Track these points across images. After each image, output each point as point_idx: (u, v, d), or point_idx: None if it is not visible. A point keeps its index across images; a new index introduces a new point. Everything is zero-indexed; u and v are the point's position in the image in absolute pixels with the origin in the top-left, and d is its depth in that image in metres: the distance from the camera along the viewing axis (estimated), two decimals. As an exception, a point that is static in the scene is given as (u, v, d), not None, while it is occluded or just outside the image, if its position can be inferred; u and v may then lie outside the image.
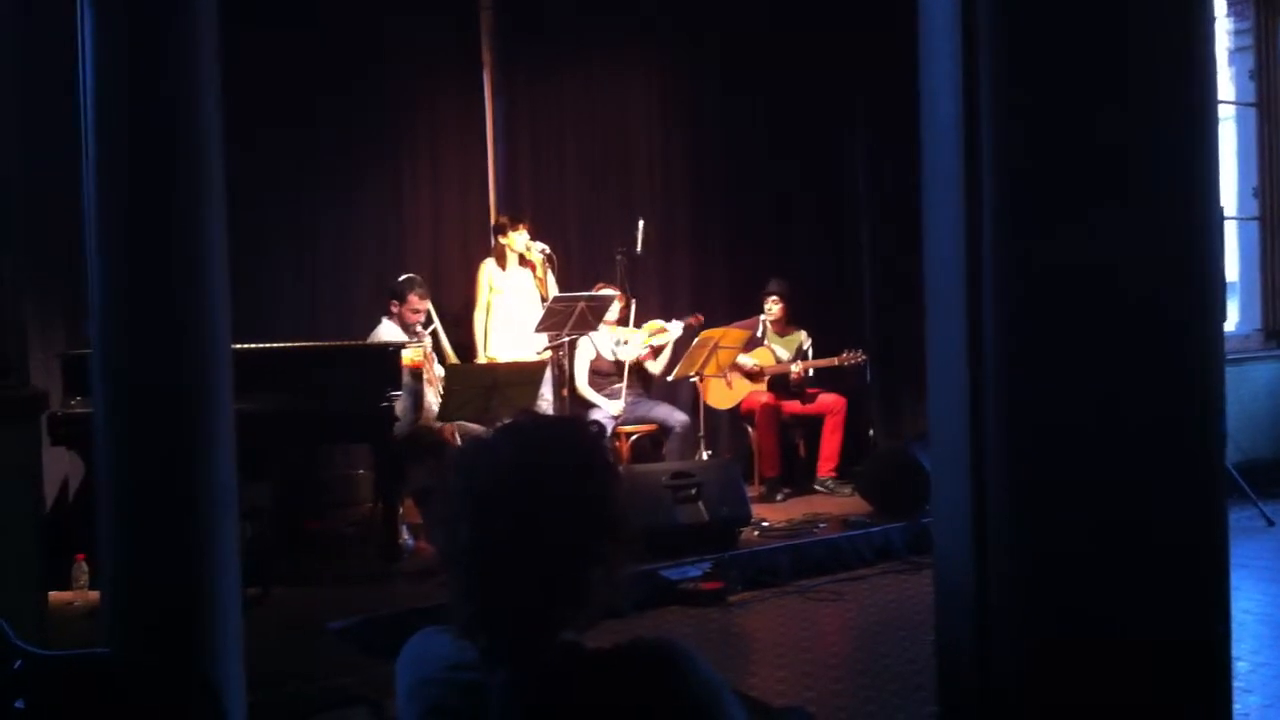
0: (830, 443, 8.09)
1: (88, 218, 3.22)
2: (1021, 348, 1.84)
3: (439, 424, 6.56)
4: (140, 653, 3.08)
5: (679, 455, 7.55)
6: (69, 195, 3.56)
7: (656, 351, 7.88)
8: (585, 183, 8.63)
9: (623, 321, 7.85)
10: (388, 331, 6.80)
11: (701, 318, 7.91)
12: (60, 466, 5.95)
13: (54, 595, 5.04)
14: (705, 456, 7.66)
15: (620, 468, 1.72)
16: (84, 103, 3.20)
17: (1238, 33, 9.68)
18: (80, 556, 5.42)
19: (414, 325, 6.91)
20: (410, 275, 7.07)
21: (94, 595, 5.08)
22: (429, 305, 6.99)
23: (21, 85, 4.79)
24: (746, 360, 8.08)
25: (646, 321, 7.93)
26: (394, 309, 6.88)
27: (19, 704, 2.32)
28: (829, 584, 6.40)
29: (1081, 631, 1.82)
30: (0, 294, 4.50)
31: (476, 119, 8.23)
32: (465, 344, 7.70)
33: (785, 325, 8.32)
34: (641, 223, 7.86)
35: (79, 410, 5.50)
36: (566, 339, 7.10)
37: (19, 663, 2.36)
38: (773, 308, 8.23)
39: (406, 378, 6.46)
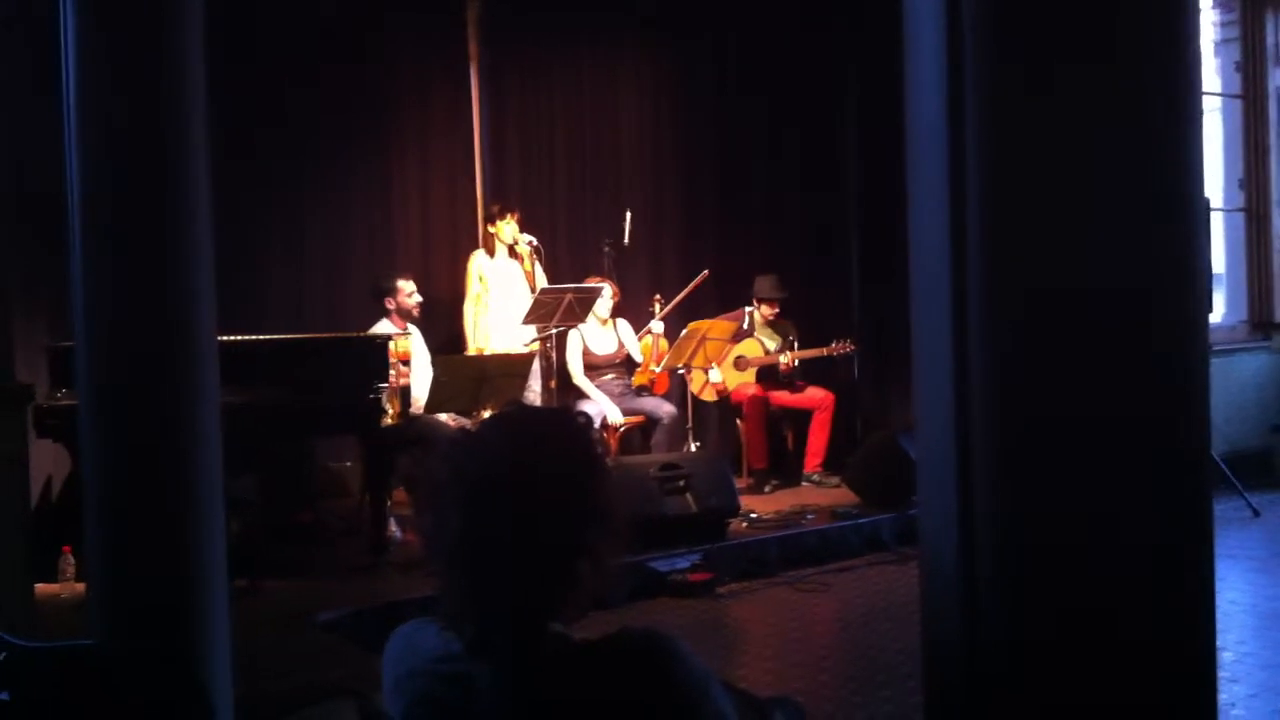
0: (817, 438, 8.11)
1: (72, 209, 3.21)
2: (1006, 339, 1.85)
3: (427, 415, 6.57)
4: (127, 645, 3.07)
5: (667, 447, 7.56)
6: (52, 186, 3.54)
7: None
8: (574, 175, 8.63)
9: (617, 314, 7.87)
10: (382, 330, 6.82)
11: (707, 273, 7.91)
12: (47, 459, 5.94)
13: (41, 587, 5.03)
14: (693, 448, 7.67)
15: (609, 459, 1.72)
16: (66, 95, 3.19)
17: (1224, 24, 9.71)
18: (67, 549, 5.42)
19: (414, 313, 6.94)
20: (389, 272, 7.10)
21: (81, 587, 5.08)
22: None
23: (3, 78, 4.77)
24: (715, 375, 8.08)
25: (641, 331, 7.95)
26: (389, 305, 6.91)
27: (4, 696, 2.32)
28: (817, 575, 6.41)
29: (1066, 621, 1.83)
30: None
31: (464, 112, 8.22)
32: (455, 335, 7.71)
33: (774, 317, 8.33)
34: (629, 215, 7.87)
35: (65, 402, 5.48)
36: (554, 330, 7.10)
37: (3, 655, 2.35)
38: (762, 308, 8.23)
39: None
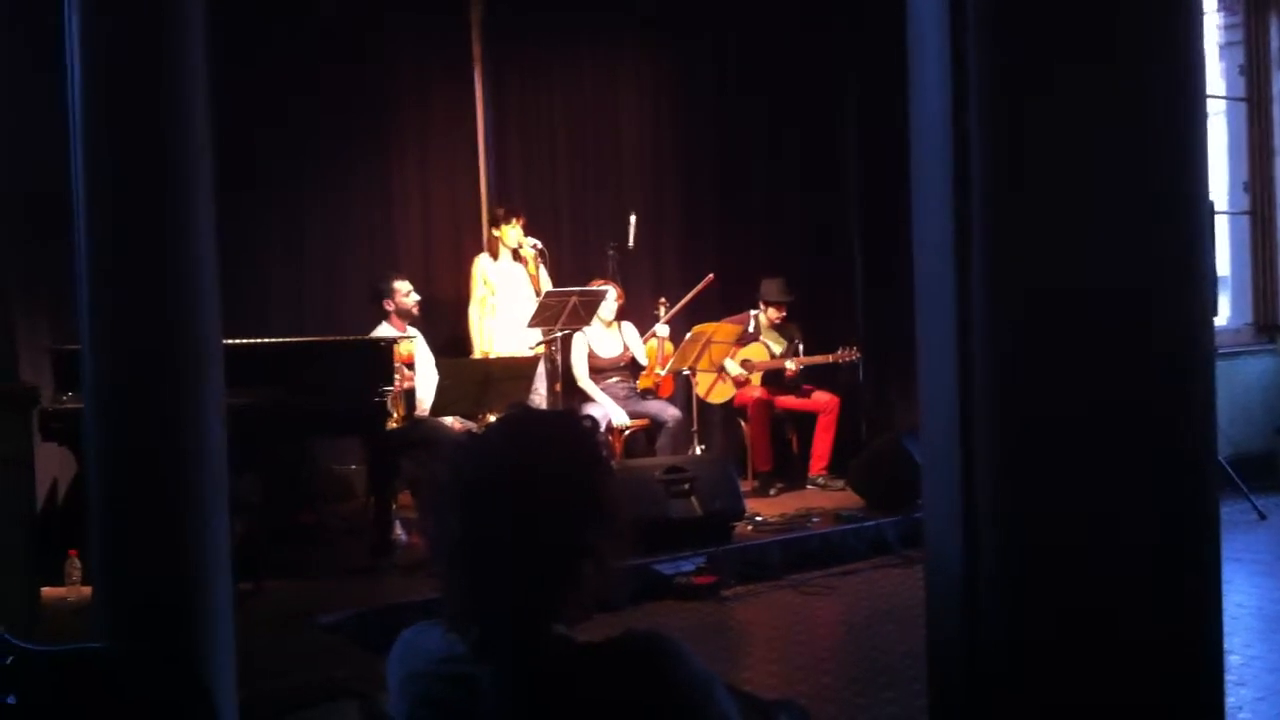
0: (822, 441, 8.10)
1: (76, 213, 3.22)
2: (1011, 341, 1.85)
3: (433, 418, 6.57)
4: (131, 646, 3.08)
5: (672, 450, 7.56)
6: (56, 189, 3.55)
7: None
8: (576, 177, 8.63)
9: (621, 317, 7.87)
10: (385, 334, 6.82)
11: (712, 276, 7.91)
12: (52, 462, 5.94)
13: (47, 591, 5.03)
14: (698, 451, 7.67)
15: (614, 462, 1.72)
16: (71, 100, 3.19)
17: (1228, 28, 9.69)
18: (73, 552, 5.42)
19: (414, 313, 6.95)
20: (386, 273, 7.12)
21: (87, 591, 5.07)
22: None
23: (5, 80, 4.78)
24: (733, 367, 8.08)
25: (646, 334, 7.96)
26: (388, 307, 6.92)
27: (10, 699, 2.32)
28: (822, 578, 6.40)
29: (1072, 625, 1.82)
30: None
31: (467, 114, 8.22)
32: (458, 338, 7.72)
33: (780, 320, 8.32)
34: (633, 217, 7.87)
35: (70, 406, 5.48)
36: (559, 334, 7.10)
37: (10, 658, 2.35)
38: (770, 311, 8.22)
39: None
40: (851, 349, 8.06)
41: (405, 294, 6.96)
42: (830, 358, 8.05)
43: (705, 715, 1.59)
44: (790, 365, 8.06)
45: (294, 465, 6.97)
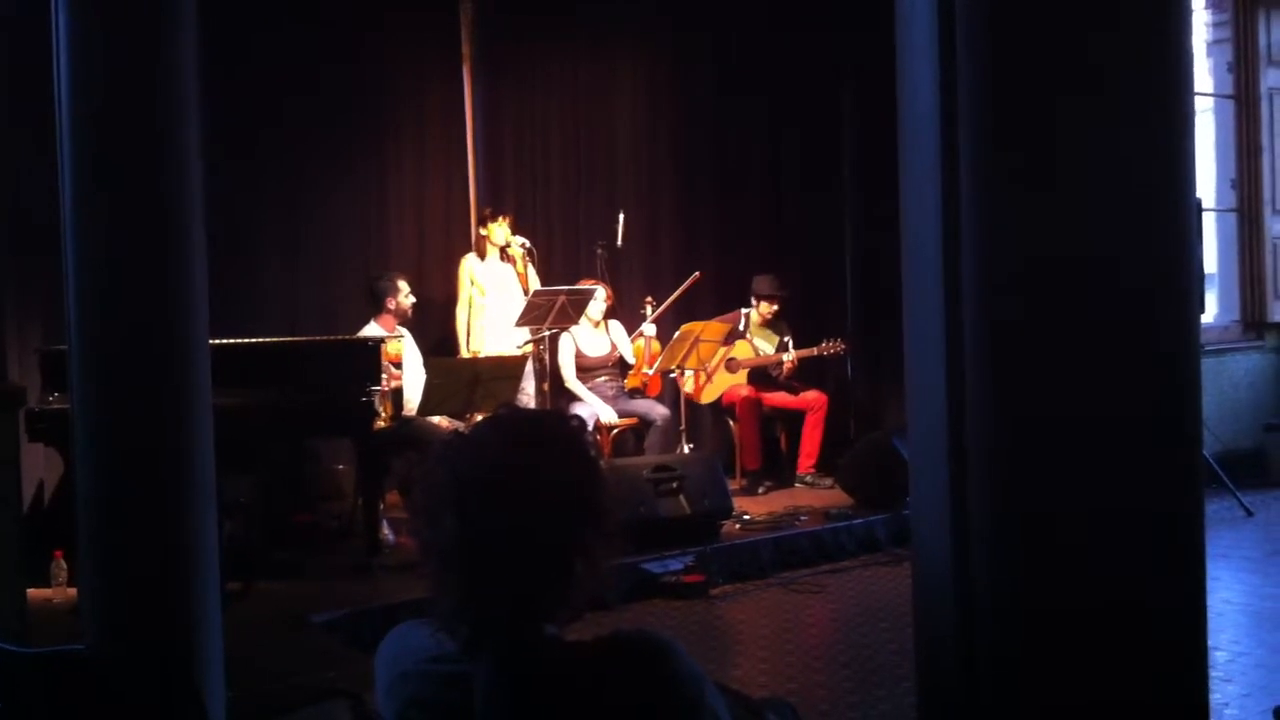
0: (810, 439, 8.11)
1: (64, 212, 3.20)
2: (999, 340, 1.85)
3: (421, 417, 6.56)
4: (119, 649, 3.07)
5: (660, 449, 7.55)
6: (45, 188, 3.54)
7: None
8: (568, 176, 8.62)
9: (610, 316, 7.86)
10: (373, 333, 6.80)
11: (699, 275, 7.91)
12: (39, 463, 5.92)
13: (33, 592, 5.01)
14: (687, 450, 7.66)
15: (602, 461, 1.72)
16: (58, 99, 3.18)
17: (1216, 25, 9.71)
18: (59, 553, 5.40)
19: (409, 314, 6.93)
20: (385, 273, 7.10)
21: (73, 592, 5.05)
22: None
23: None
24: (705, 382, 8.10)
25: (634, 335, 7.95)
26: (390, 305, 6.89)
27: (-4, 701, 2.31)
28: (811, 576, 6.41)
29: (1058, 621, 1.83)
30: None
31: (458, 113, 8.20)
32: (447, 338, 7.70)
33: (773, 315, 8.32)
34: (621, 216, 7.87)
35: (57, 406, 5.47)
36: (547, 333, 7.10)
37: (-4, 660, 2.35)
38: (761, 306, 8.22)
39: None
40: (837, 341, 8.06)
41: (406, 294, 6.97)
42: (815, 350, 8.06)
43: (695, 714, 1.59)
44: (787, 358, 8.06)
45: (288, 465, 6.95)
